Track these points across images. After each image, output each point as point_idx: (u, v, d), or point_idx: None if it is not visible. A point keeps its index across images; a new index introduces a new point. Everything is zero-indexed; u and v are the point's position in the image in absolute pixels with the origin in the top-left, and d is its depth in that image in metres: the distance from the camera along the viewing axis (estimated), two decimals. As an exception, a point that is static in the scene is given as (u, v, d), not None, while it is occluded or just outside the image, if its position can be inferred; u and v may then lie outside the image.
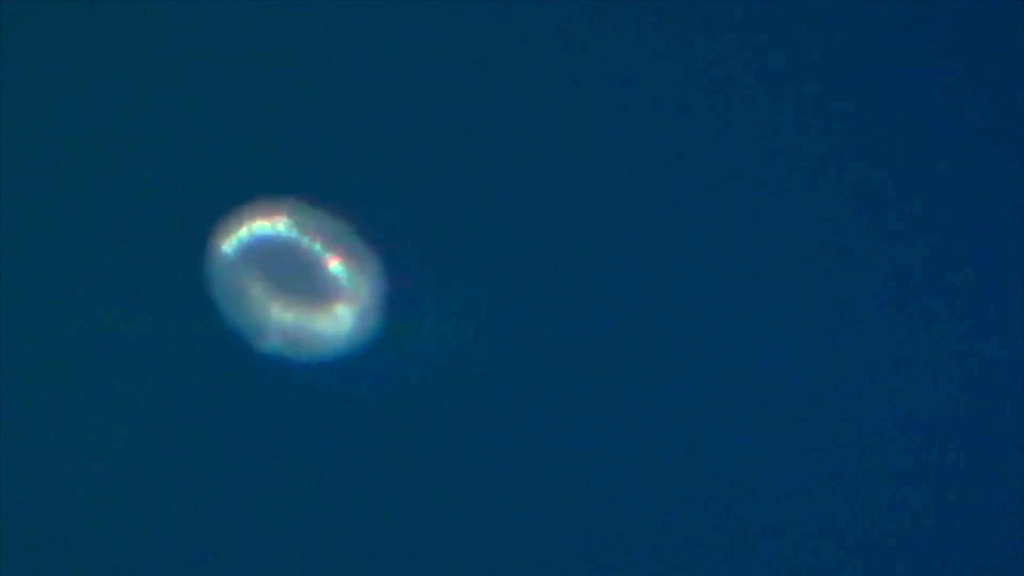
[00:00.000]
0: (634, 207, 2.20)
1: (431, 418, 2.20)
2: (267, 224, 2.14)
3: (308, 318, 2.15)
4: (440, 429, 2.20)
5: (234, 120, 2.20)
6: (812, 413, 2.18)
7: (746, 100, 2.19)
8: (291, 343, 2.16)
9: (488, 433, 2.20)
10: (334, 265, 2.14)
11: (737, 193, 2.19)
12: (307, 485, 2.20)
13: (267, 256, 2.14)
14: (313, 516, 2.20)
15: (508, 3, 2.20)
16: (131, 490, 2.20)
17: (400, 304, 2.16)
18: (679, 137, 2.20)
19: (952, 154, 2.18)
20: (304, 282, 2.14)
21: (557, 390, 2.20)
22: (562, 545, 2.19)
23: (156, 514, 2.20)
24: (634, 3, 2.20)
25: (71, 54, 2.22)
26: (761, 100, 2.19)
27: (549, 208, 2.19)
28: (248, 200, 2.15)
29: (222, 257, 2.15)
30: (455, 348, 2.20)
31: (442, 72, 2.20)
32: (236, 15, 2.20)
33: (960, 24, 2.18)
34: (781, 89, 2.19)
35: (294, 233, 2.14)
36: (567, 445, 2.20)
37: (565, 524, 2.19)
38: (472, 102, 2.19)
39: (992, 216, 2.18)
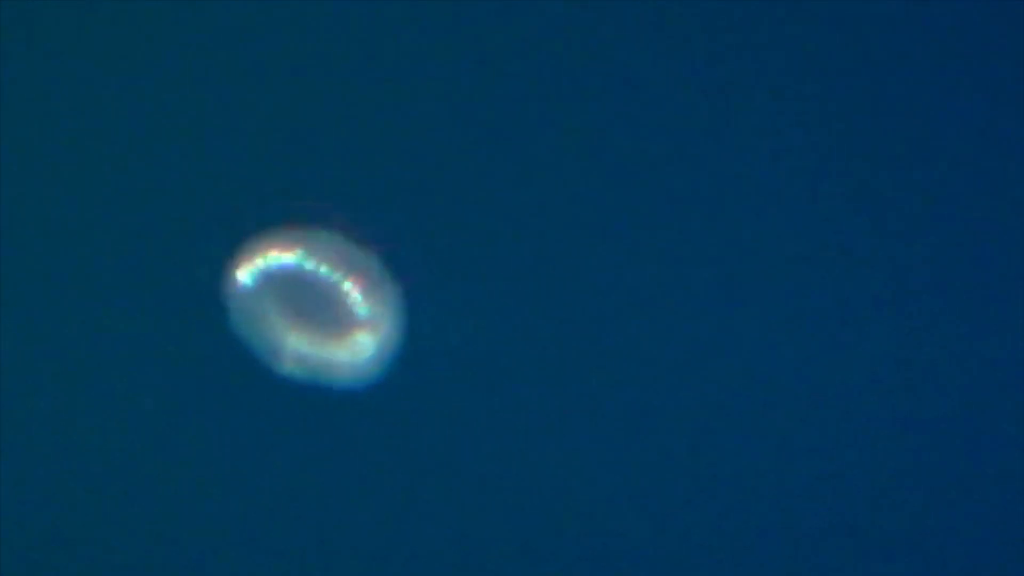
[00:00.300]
0: (647, 215, 2.19)
1: (452, 444, 2.20)
2: (285, 253, 2.13)
3: (327, 347, 2.14)
4: (461, 456, 2.20)
5: (252, 148, 2.18)
6: (809, 414, 2.19)
7: (744, 100, 2.18)
8: (310, 372, 2.14)
9: (509, 458, 2.20)
10: (353, 294, 2.13)
11: (736, 194, 2.19)
12: (326, 512, 2.20)
13: (285, 285, 2.13)
14: (329, 541, 2.20)
15: (504, 18, 2.19)
16: (145, 515, 2.20)
17: (420, 331, 2.15)
18: (676, 139, 2.19)
19: (952, 155, 2.18)
20: (322, 311, 2.13)
21: (586, 415, 2.20)
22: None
23: (170, 539, 2.19)
24: (622, 3, 2.19)
25: (89, 84, 2.20)
26: (759, 100, 2.18)
27: (570, 230, 2.19)
28: (266, 229, 2.13)
29: (240, 287, 2.13)
30: (476, 374, 2.19)
31: (460, 100, 2.19)
32: (253, 44, 2.19)
33: (960, 24, 2.17)
34: (780, 89, 2.18)
35: (312, 262, 2.12)
36: (595, 473, 2.20)
37: (590, 560, 2.20)
38: (492, 129, 2.19)
39: (992, 217, 2.18)
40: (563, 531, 2.20)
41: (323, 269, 2.13)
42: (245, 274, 2.13)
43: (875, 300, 2.19)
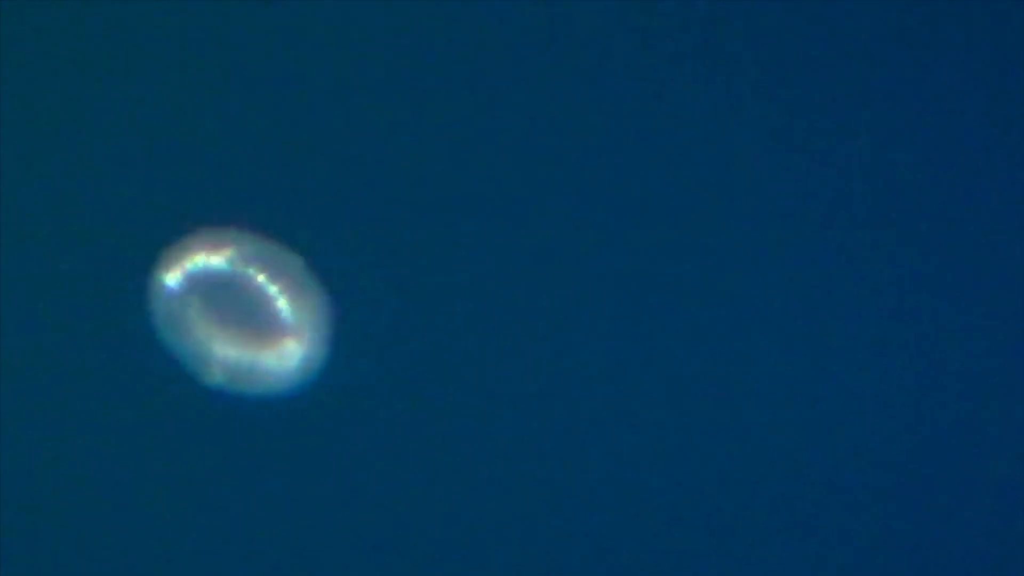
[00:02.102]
0: (592, 228, 2.19)
1: (377, 452, 2.16)
2: (213, 257, 2.11)
3: (254, 353, 2.11)
4: (385, 464, 2.16)
5: (181, 151, 2.18)
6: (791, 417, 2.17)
7: (737, 102, 2.19)
8: (237, 378, 2.11)
9: (437, 468, 2.16)
10: (281, 299, 2.11)
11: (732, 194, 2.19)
12: (251, 520, 2.15)
13: (212, 289, 2.11)
14: (255, 550, 2.15)
15: (445, 36, 2.21)
16: (69, 520, 2.15)
17: (347, 338, 2.13)
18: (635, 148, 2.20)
19: (952, 156, 2.18)
20: (250, 316, 2.11)
21: (509, 424, 2.17)
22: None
23: (94, 546, 2.14)
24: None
25: (15, 85, 2.20)
26: (754, 102, 2.19)
27: (497, 238, 2.18)
28: (193, 232, 2.12)
29: (166, 290, 2.11)
30: (402, 381, 2.17)
31: (382, 106, 2.19)
32: (181, 47, 2.20)
33: (960, 25, 2.19)
34: (778, 91, 2.19)
35: (240, 266, 2.11)
36: (522, 475, 2.16)
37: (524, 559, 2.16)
38: (414, 134, 2.19)
39: (992, 218, 2.17)
40: (486, 535, 2.16)
41: (251, 274, 2.11)
42: (171, 277, 2.11)
43: (873, 301, 2.18)
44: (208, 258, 2.11)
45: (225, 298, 2.11)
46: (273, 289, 2.11)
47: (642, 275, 2.18)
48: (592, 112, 2.18)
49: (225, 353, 2.11)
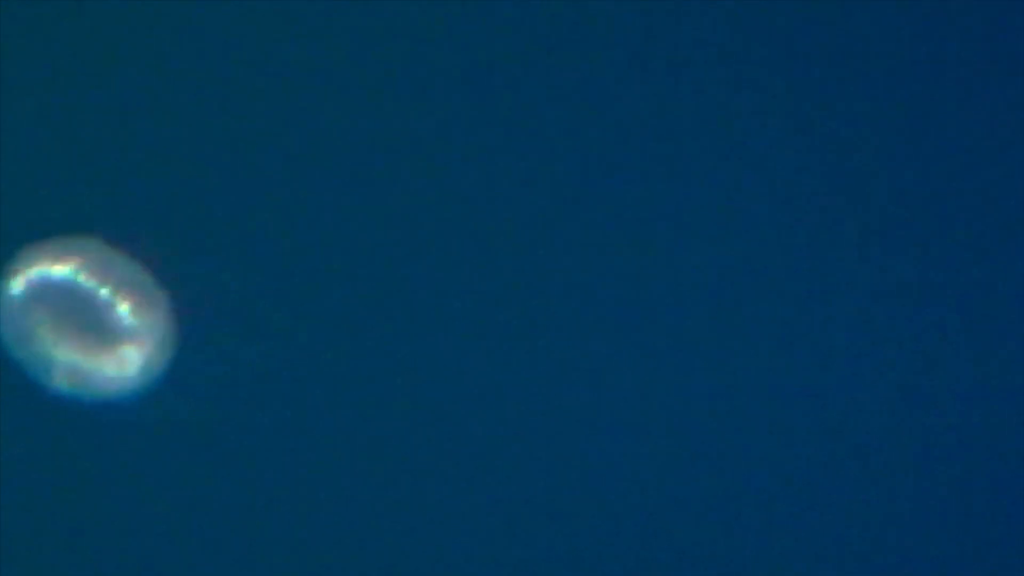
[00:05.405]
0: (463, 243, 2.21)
1: (218, 460, 2.18)
2: (54, 264, 2.14)
3: (95, 359, 2.14)
4: (227, 471, 2.18)
5: (21, 158, 2.20)
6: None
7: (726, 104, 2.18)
8: (77, 384, 2.14)
9: (279, 475, 2.18)
10: (121, 306, 2.14)
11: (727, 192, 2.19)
12: (91, 527, 2.17)
13: (53, 296, 2.14)
14: (97, 559, 2.17)
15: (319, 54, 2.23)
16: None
17: (188, 345, 2.15)
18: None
19: (952, 157, 2.18)
20: (91, 323, 2.14)
21: (353, 435, 2.18)
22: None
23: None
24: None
25: None
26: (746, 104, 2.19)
27: (351, 249, 2.19)
28: (35, 240, 2.14)
29: (7, 297, 2.14)
30: (245, 388, 2.18)
31: (224, 110, 2.21)
32: (18, 51, 2.22)
33: (960, 24, 2.19)
34: (776, 93, 2.19)
35: (81, 274, 2.14)
36: (374, 484, 2.18)
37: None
38: (263, 140, 2.20)
39: (992, 219, 2.18)
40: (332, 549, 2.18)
41: (91, 281, 2.14)
42: (13, 284, 2.14)
43: (873, 303, 2.18)
44: (50, 266, 2.14)
45: (67, 305, 2.14)
46: (114, 296, 2.14)
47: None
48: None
49: (65, 359, 2.15)
